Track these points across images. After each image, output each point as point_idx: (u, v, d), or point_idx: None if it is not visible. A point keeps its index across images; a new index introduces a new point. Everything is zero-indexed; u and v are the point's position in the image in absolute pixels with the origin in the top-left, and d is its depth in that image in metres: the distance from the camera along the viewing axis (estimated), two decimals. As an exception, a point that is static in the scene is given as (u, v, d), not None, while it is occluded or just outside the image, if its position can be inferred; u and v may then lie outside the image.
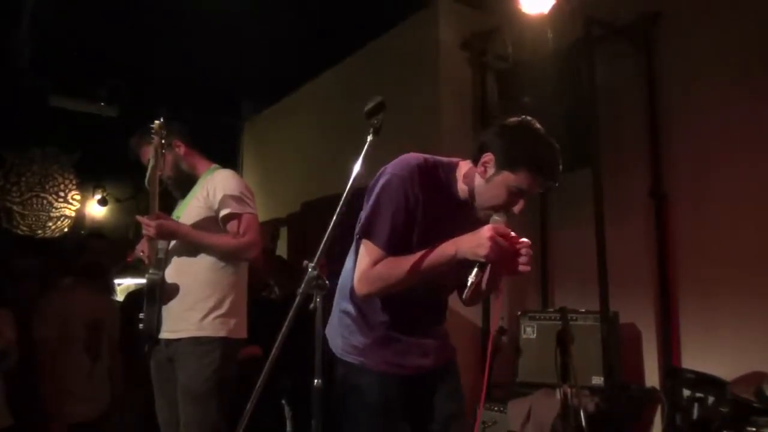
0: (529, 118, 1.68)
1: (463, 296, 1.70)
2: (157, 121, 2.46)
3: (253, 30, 4.41)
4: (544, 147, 1.63)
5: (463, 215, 1.72)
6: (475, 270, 1.59)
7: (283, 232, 5.61)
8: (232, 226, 2.50)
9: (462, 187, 1.74)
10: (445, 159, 1.79)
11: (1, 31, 4.54)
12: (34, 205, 5.91)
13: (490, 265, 1.59)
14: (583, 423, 2.50)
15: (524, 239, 1.59)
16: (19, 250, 4.72)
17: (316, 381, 1.50)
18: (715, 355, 3.16)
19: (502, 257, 1.56)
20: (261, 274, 3.66)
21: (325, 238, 1.54)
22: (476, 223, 1.63)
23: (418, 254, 1.65)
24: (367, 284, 1.70)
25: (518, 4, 3.50)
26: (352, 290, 1.75)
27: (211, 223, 2.52)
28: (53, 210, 6.01)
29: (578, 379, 2.39)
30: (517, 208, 1.65)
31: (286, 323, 1.52)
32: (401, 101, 3.94)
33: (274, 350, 1.53)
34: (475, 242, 1.56)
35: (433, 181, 1.72)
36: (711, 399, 2.97)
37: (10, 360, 3.04)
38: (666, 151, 3.50)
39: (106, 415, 3.47)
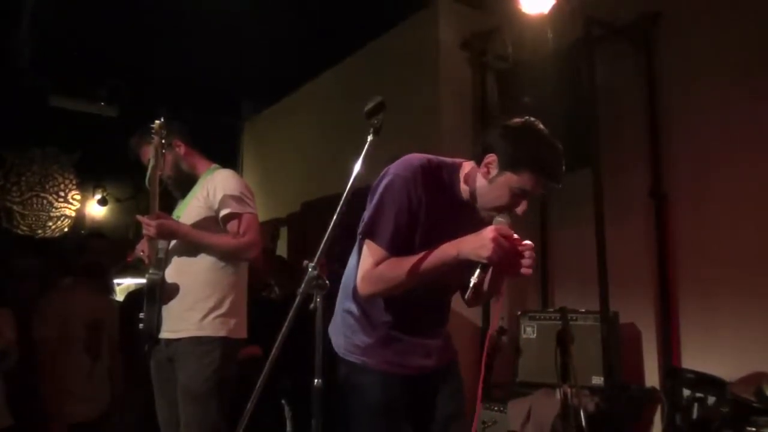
0: (532, 119, 1.68)
1: (465, 297, 1.70)
2: (157, 121, 2.46)
3: (253, 30, 4.41)
4: (547, 148, 1.63)
5: (466, 216, 1.71)
6: (477, 271, 1.59)
7: (283, 232, 5.61)
8: (232, 226, 2.50)
9: (465, 188, 1.74)
10: (448, 159, 1.78)
11: (1, 31, 4.54)
12: (34, 205, 5.91)
13: (492, 266, 1.58)
14: (583, 423, 2.50)
15: (527, 242, 1.59)
16: (19, 250, 4.73)
17: (316, 381, 1.50)
18: (715, 355, 3.16)
19: (504, 259, 1.55)
20: (261, 274, 3.66)
21: (325, 238, 1.54)
22: (479, 224, 1.63)
23: (421, 255, 1.64)
24: (370, 284, 1.70)
25: (518, 4, 3.49)
26: (354, 290, 1.75)
27: (211, 223, 2.52)
28: (53, 210, 6.01)
29: (578, 379, 2.39)
30: (520, 209, 1.64)
31: (286, 323, 1.52)
32: (401, 101, 3.94)
33: (274, 350, 1.52)
34: (478, 243, 1.56)
35: (437, 182, 1.71)
36: (711, 399, 2.97)
37: (10, 360, 3.04)
38: (666, 151, 3.49)
39: (106, 415, 3.47)
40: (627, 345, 3.45)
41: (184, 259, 2.51)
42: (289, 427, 3.39)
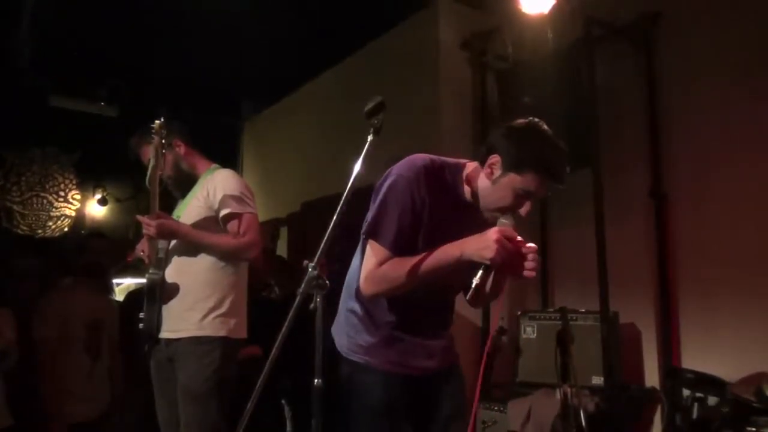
0: (536, 119, 1.67)
1: (468, 298, 1.69)
2: (157, 121, 2.46)
3: (253, 30, 4.41)
4: (551, 149, 1.62)
5: (470, 217, 1.71)
6: (480, 272, 1.58)
7: (283, 232, 5.61)
8: (232, 225, 2.50)
9: (468, 189, 1.73)
10: (452, 160, 1.78)
11: (1, 31, 4.54)
12: (35, 205, 5.91)
13: (495, 268, 1.58)
14: (583, 423, 2.49)
15: (531, 244, 1.58)
16: (19, 250, 4.72)
17: (316, 381, 1.50)
18: (715, 355, 3.16)
19: (507, 260, 1.55)
20: (261, 274, 3.66)
21: (325, 238, 1.54)
22: (483, 225, 1.63)
23: (424, 255, 1.64)
24: (373, 284, 1.70)
25: (518, 4, 3.49)
26: (358, 289, 1.76)
27: (212, 222, 2.52)
28: (53, 210, 6.01)
29: (578, 379, 2.38)
30: (523, 210, 1.64)
31: (286, 323, 1.52)
32: (401, 101, 3.94)
33: (274, 350, 1.53)
34: (482, 244, 1.55)
35: (440, 183, 1.71)
36: (711, 399, 2.98)
37: (10, 360, 3.04)
38: (666, 151, 3.49)
39: (106, 415, 3.47)
40: (627, 345, 3.45)
41: (184, 259, 2.51)
42: (289, 427, 3.39)
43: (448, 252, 1.62)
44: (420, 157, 1.72)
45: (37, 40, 4.60)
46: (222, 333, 2.46)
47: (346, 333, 1.84)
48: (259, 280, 3.62)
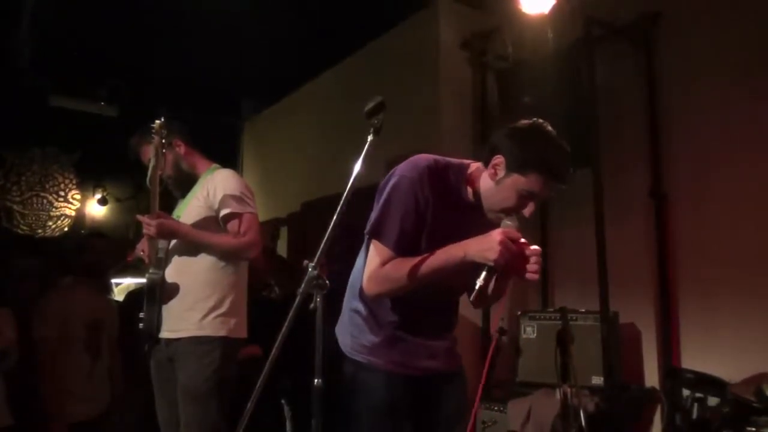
0: (540, 120, 1.67)
1: (471, 299, 1.69)
2: (157, 121, 2.46)
3: (253, 30, 4.41)
4: (554, 150, 1.62)
5: (473, 218, 1.71)
6: (484, 274, 1.58)
7: (283, 232, 5.61)
8: (232, 225, 2.50)
9: (472, 190, 1.73)
10: (455, 160, 1.78)
11: (1, 31, 4.54)
12: (35, 205, 5.91)
13: (498, 269, 1.57)
14: (583, 423, 2.49)
15: (535, 247, 1.58)
16: (19, 250, 4.73)
17: (316, 381, 1.50)
18: (714, 355, 3.16)
19: (511, 262, 1.55)
20: (261, 274, 3.66)
21: (325, 238, 1.54)
22: (486, 226, 1.63)
23: (427, 256, 1.64)
24: (376, 284, 1.70)
25: (518, 4, 3.50)
26: (361, 289, 1.76)
27: (212, 222, 2.52)
28: (53, 209, 6.02)
29: (578, 379, 2.39)
30: (527, 211, 1.64)
31: (286, 323, 1.52)
32: (401, 101, 3.94)
33: (274, 350, 1.53)
34: (485, 246, 1.55)
35: (443, 183, 1.71)
36: (711, 399, 2.98)
37: (10, 360, 3.04)
38: (666, 151, 3.49)
39: (107, 414, 3.47)
40: (627, 345, 3.45)
41: (184, 259, 2.51)
42: (288, 427, 3.39)
43: (452, 253, 1.62)
44: (424, 158, 1.72)
45: (37, 40, 4.60)
46: (222, 333, 2.46)
47: (350, 333, 1.84)
48: (259, 280, 3.62)
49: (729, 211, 3.21)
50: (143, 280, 2.65)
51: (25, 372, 3.18)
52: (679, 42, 3.46)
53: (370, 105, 1.56)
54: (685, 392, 3.10)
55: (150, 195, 2.48)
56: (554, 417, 3.02)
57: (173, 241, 2.52)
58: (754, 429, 2.57)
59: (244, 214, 2.51)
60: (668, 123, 3.50)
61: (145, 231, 2.46)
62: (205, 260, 2.50)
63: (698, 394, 3.01)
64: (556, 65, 3.64)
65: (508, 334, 3.77)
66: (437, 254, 1.63)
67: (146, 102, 4.97)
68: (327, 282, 1.52)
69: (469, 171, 1.76)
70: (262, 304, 3.30)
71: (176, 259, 2.52)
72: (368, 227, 1.72)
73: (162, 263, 2.52)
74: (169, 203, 2.66)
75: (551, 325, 3.50)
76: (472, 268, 1.60)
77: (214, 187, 2.53)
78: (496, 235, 1.54)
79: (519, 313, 3.76)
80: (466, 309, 1.96)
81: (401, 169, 1.70)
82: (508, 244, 1.53)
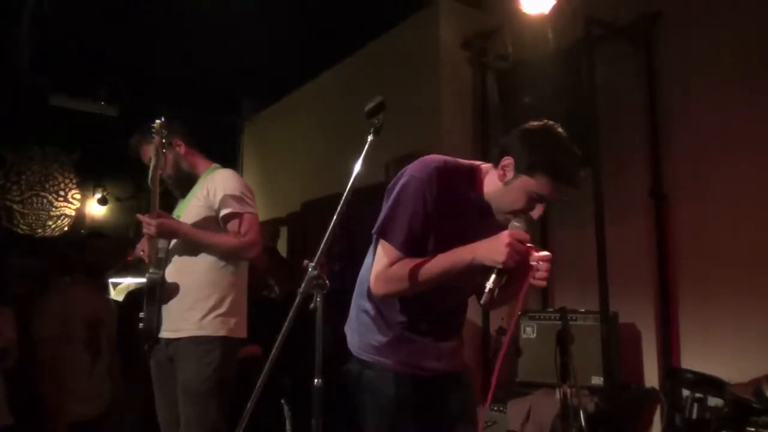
0: (551, 122, 1.66)
1: (481, 301, 1.69)
2: (158, 121, 2.46)
3: (253, 30, 4.41)
4: (563, 153, 1.61)
5: (482, 219, 1.71)
6: (493, 276, 1.58)
7: (283, 231, 5.61)
8: (232, 225, 2.50)
9: (481, 191, 1.73)
10: (465, 162, 1.78)
11: (1, 31, 4.54)
12: (35, 204, 5.91)
13: (507, 272, 1.57)
14: (583, 423, 2.50)
15: (545, 252, 1.58)
16: (19, 249, 4.72)
17: (316, 381, 1.50)
18: (714, 355, 3.16)
19: (519, 264, 1.55)
20: (261, 274, 3.66)
21: (325, 238, 1.54)
22: (495, 227, 1.63)
23: (435, 257, 1.64)
24: (383, 284, 1.69)
25: (518, 4, 3.50)
26: (369, 288, 1.75)
27: (212, 222, 2.52)
28: (53, 209, 6.02)
29: (578, 379, 2.39)
30: (535, 213, 1.63)
31: (286, 323, 1.52)
32: (401, 101, 3.94)
33: (274, 350, 1.53)
34: (493, 248, 1.55)
35: (453, 184, 1.70)
36: (711, 399, 2.98)
37: (10, 359, 3.04)
38: (666, 151, 3.50)
39: (107, 413, 3.47)
40: (627, 345, 3.45)
41: (184, 259, 2.51)
42: (288, 427, 3.39)
43: (460, 255, 1.61)
44: (433, 158, 1.71)
45: (37, 40, 4.60)
46: (222, 332, 2.46)
47: (358, 332, 1.84)
48: (259, 279, 3.62)
49: (729, 211, 3.21)
50: (143, 280, 2.65)
51: (25, 371, 3.18)
52: (679, 42, 3.46)
53: (370, 105, 1.56)
54: (685, 392, 3.10)
55: (150, 194, 2.48)
56: (554, 417, 3.02)
57: (173, 241, 2.52)
58: (753, 429, 2.57)
59: (244, 214, 2.51)
60: (668, 123, 3.50)
61: (145, 230, 2.45)
62: (205, 260, 2.50)
63: (698, 395, 3.01)
64: (557, 65, 3.64)
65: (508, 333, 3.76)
66: (445, 256, 1.63)
67: (146, 102, 4.98)
68: (327, 282, 1.52)
69: (479, 172, 1.75)
70: (262, 304, 3.30)
71: (176, 259, 2.52)
72: (376, 227, 1.71)
73: (162, 263, 2.51)
74: (169, 203, 2.66)
75: (551, 325, 3.51)
76: (481, 270, 1.60)
77: (215, 187, 2.53)
78: (504, 237, 1.54)
79: (519, 313, 3.76)
80: (467, 309, 1.97)
81: (411, 169, 1.70)
82: (516, 246, 1.53)
